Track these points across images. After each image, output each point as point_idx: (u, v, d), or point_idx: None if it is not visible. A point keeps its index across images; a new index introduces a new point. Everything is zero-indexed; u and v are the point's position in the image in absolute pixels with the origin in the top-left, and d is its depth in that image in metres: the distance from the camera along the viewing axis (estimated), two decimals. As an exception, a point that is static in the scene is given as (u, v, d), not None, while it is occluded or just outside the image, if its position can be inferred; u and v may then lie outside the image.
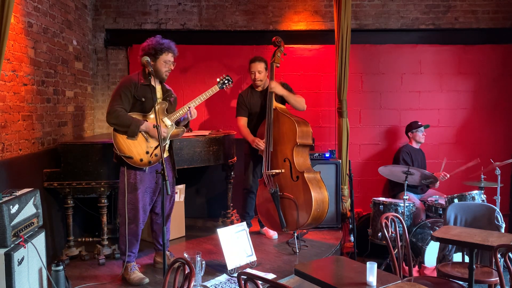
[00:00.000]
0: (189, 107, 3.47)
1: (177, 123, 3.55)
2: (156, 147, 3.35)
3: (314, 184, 3.99)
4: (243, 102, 4.45)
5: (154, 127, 3.17)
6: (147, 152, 3.34)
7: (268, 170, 4.16)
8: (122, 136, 3.31)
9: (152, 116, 3.39)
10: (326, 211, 4.06)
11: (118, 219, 3.46)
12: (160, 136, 3.09)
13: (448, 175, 4.78)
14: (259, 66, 4.34)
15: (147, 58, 3.32)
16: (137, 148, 3.32)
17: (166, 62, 3.41)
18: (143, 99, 3.36)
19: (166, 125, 3.43)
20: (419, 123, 5.05)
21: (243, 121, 4.45)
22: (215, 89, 3.68)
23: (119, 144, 3.30)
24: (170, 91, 3.58)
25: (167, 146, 3.53)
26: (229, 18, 5.53)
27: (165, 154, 3.51)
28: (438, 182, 4.85)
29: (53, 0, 4.31)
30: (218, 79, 3.76)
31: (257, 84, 4.40)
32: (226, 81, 3.75)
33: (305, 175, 3.99)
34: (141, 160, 3.32)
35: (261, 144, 4.20)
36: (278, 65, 4.39)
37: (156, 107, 3.19)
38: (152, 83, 3.34)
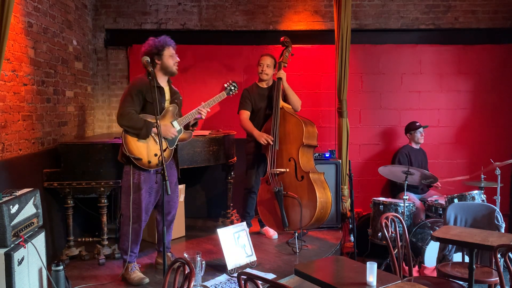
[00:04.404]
0: (199, 110, 3.48)
1: (186, 126, 3.56)
2: (165, 150, 3.36)
3: (318, 184, 4.00)
4: (248, 96, 4.45)
5: (154, 126, 3.17)
6: (156, 155, 3.35)
7: (272, 168, 4.17)
8: (133, 138, 3.31)
9: (164, 117, 3.42)
10: (329, 212, 4.07)
11: (120, 218, 3.45)
12: (160, 135, 3.11)
13: (440, 186, 4.99)
14: (269, 60, 4.42)
15: (146, 58, 3.30)
16: (147, 150, 3.33)
17: (172, 55, 3.43)
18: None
19: (175, 129, 3.44)
20: (417, 124, 5.04)
21: (246, 114, 4.43)
22: (223, 95, 3.67)
23: (129, 145, 3.29)
24: (177, 93, 3.60)
25: (172, 150, 3.53)
26: (229, 18, 5.53)
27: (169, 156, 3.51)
28: (439, 185, 4.92)
29: (53, 0, 4.31)
30: (225, 85, 3.74)
31: (263, 77, 4.42)
32: (232, 87, 3.74)
33: (311, 175, 3.99)
34: (149, 162, 3.32)
35: (270, 139, 4.19)
36: (286, 64, 4.44)
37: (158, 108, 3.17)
38: (161, 84, 3.37)
